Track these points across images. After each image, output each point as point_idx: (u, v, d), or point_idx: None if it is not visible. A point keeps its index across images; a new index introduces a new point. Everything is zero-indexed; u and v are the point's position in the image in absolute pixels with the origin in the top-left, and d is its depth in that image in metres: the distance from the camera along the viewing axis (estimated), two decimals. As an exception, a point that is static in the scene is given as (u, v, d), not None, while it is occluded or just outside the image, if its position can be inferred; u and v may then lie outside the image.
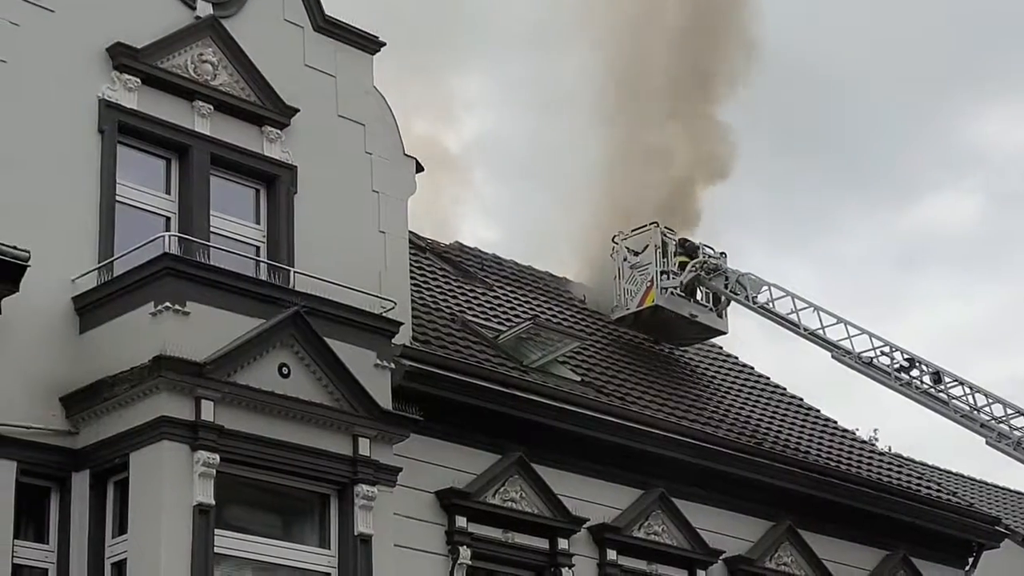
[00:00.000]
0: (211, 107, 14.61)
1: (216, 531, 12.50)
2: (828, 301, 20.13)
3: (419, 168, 16.31)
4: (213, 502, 12.46)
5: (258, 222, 14.98)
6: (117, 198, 13.87)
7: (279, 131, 15.09)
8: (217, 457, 12.52)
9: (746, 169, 39.55)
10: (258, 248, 14.83)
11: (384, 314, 14.27)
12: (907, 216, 49.02)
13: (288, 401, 13.07)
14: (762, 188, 45.24)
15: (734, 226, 38.10)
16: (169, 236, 13.30)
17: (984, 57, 48.18)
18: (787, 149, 45.60)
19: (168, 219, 14.27)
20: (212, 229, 14.39)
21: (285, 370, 13.13)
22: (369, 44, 16.16)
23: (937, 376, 19.19)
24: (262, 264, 14.53)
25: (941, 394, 19.12)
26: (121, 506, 12.73)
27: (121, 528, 12.68)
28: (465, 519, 15.32)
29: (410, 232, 16.72)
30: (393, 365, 14.14)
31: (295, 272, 14.19)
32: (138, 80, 14.17)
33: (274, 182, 15.06)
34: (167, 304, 12.65)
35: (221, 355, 12.72)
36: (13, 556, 12.46)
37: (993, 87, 49.06)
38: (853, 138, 46.88)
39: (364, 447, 13.55)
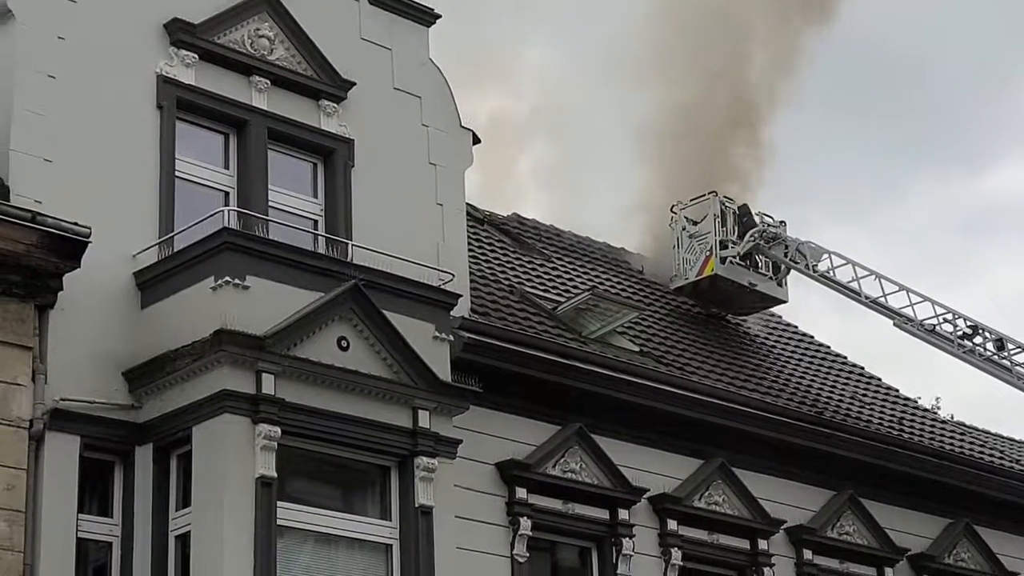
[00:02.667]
0: (268, 82, 14.63)
1: (278, 503, 12.57)
2: (892, 270, 19.95)
3: (476, 140, 16.28)
4: (275, 475, 12.52)
5: (316, 196, 14.99)
6: (176, 173, 13.92)
7: (336, 105, 15.09)
8: (278, 430, 12.58)
9: (813, 138, 39.19)
10: (316, 222, 14.84)
11: (442, 286, 14.27)
12: (974, 184, 48.46)
13: (347, 374, 13.10)
14: (829, 157, 44.83)
15: (799, 197, 37.75)
16: (228, 211, 13.33)
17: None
18: (855, 118, 45.15)
19: (227, 194, 14.31)
20: (270, 203, 14.41)
21: (344, 343, 13.16)
22: (424, 16, 16.12)
23: (1000, 343, 18.97)
24: (320, 238, 14.53)
25: (1005, 361, 18.89)
26: (184, 479, 12.83)
27: (184, 501, 12.78)
28: (525, 490, 15.31)
29: (467, 204, 16.68)
30: (452, 337, 14.13)
31: (353, 245, 14.19)
32: (195, 56, 14.21)
33: (331, 156, 15.07)
34: (227, 278, 12.70)
35: (281, 329, 12.75)
36: (78, 530, 12.59)
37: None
38: (921, 106, 46.37)
39: (424, 419, 13.57)
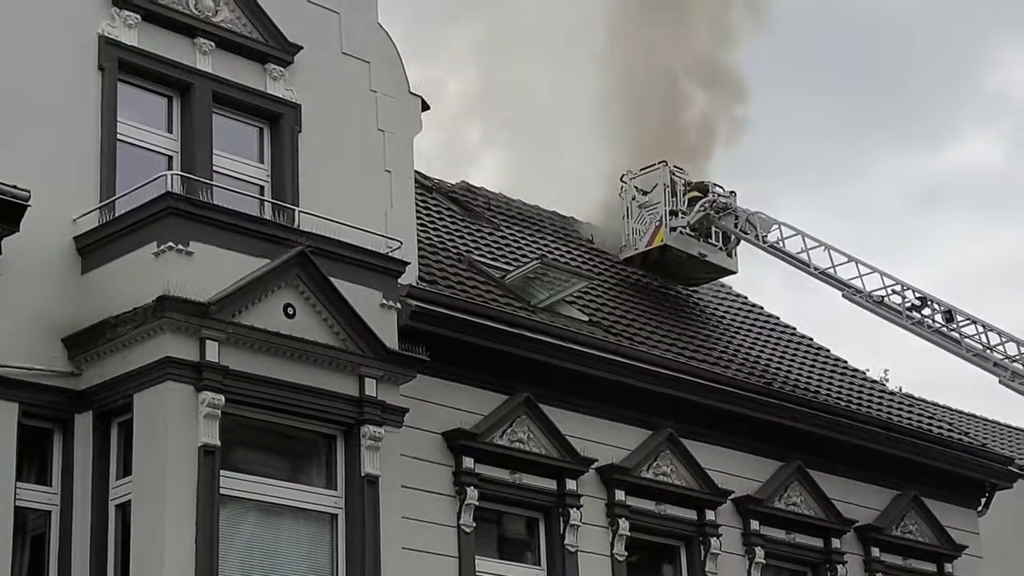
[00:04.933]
0: (213, 44, 14.42)
1: (221, 472, 12.44)
2: (847, 244, 19.92)
3: (425, 107, 16.12)
4: (218, 443, 12.39)
5: (262, 161, 14.82)
6: (118, 136, 13.71)
7: (282, 69, 14.90)
8: (222, 398, 12.44)
9: (769, 111, 39.18)
10: (262, 187, 14.68)
11: (390, 254, 14.16)
12: (932, 160, 48.73)
13: (293, 341, 12.97)
14: (788, 133, 44.87)
15: (757, 171, 37.72)
16: (171, 175, 13.16)
17: (1006, 6, 47.62)
18: (814, 93, 45.18)
19: (170, 158, 14.13)
20: (215, 168, 14.22)
21: (290, 310, 13.04)
22: None
23: (949, 314, 18.96)
24: (266, 203, 14.37)
25: (953, 333, 18.89)
26: (125, 448, 12.66)
27: (125, 470, 12.62)
28: (472, 460, 15.24)
29: (416, 171, 16.56)
30: (399, 305, 14.04)
31: (300, 211, 14.06)
32: (138, 16, 13.98)
33: (278, 120, 14.89)
34: (170, 244, 12.53)
35: (225, 295, 12.61)
36: (16, 499, 12.39)
37: (1013, 36, 48.52)
38: (882, 83, 46.48)
39: (370, 388, 13.47)
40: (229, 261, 12.80)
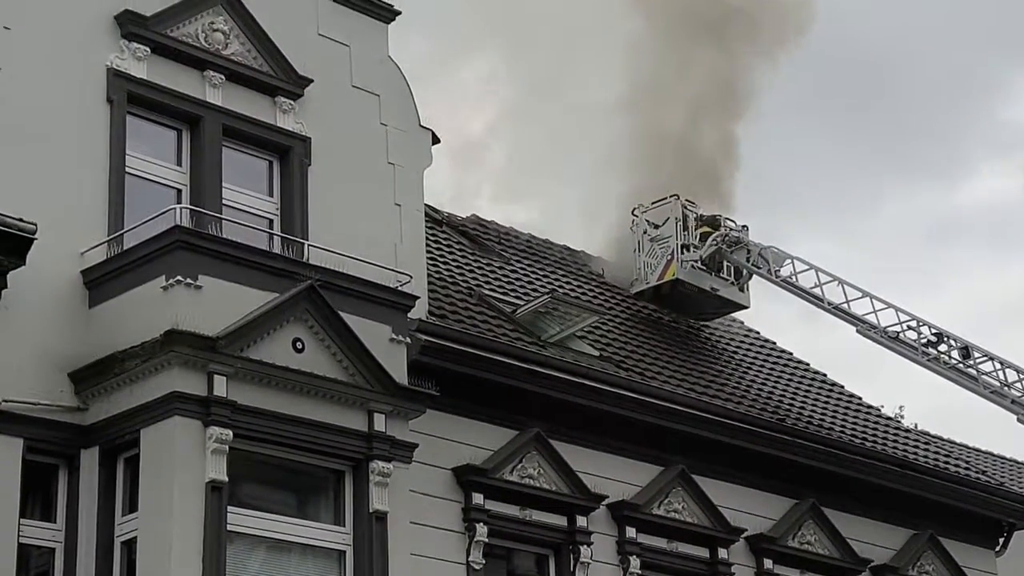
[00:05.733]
0: (223, 77, 14.40)
1: (229, 508, 12.34)
2: (861, 278, 19.80)
3: (435, 140, 16.10)
4: (226, 479, 12.29)
5: (271, 194, 14.79)
6: (127, 170, 13.66)
7: (292, 102, 14.88)
8: (230, 433, 12.35)
9: (782, 145, 39.12)
10: (271, 221, 14.64)
11: (400, 288, 14.10)
12: (946, 194, 48.52)
13: (302, 376, 12.90)
14: (801, 166, 44.75)
15: (770, 205, 37.60)
16: (180, 208, 13.10)
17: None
18: (828, 127, 45.12)
19: (179, 191, 14.08)
20: (224, 202, 14.18)
21: (299, 345, 12.97)
22: (383, 12, 15.93)
23: (966, 351, 18.80)
24: (275, 237, 14.33)
25: (970, 369, 18.72)
26: (131, 484, 12.56)
27: (131, 506, 12.51)
28: (482, 496, 15.17)
29: (426, 205, 16.54)
30: (409, 340, 13.98)
31: (309, 245, 14.02)
32: (147, 49, 13.95)
33: (287, 154, 14.85)
34: (178, 278, 12.47)
35: (234, 329, 12.54)
36: (20, 536, 12.26)
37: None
38: (896, 116, 46.41)
39: (379, 423, 13.38)
40: (238, 295, 12.73)
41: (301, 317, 12.98)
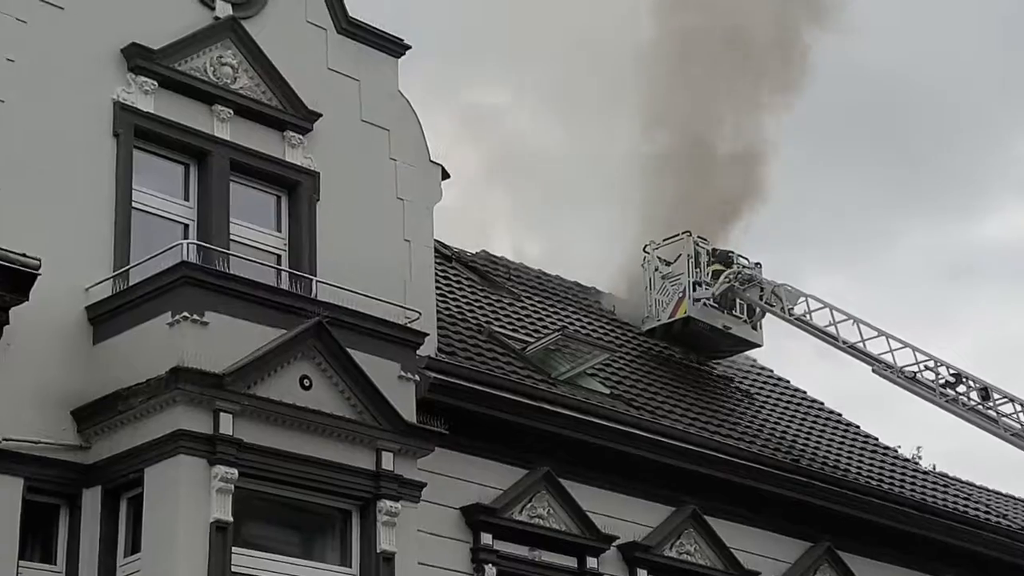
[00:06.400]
0: (231, 111, 14.32)
1: (234, 549, 12.17)
2: (879, 317, 19.67)
3: (445, 175, 16.03)
4: (231, 519, 12.12)
5: (279, 230, 14.70)
6: (133, 204, 13.56)
7: (301, 136, 14.79)
8: (236, 472, 12.20)
9: (797, 180, 38.97)
10: (279, 257, 14.53)
11: (409, 325, 14.00)
12: (964, 232, 48.16)
13: (309, 414, 12.77)
14: (813, 201, 44.48)
15: (787, 242, 37.34)
16: (187, 244, 13.04)
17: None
18: (847, 163, 44.90)
19: (186, 226, 13.97)
20: (232, 237, 14.08)
21: (307, 382, 12.85)
22: (393, 47, 15.87)
23: (985, 392, 18.62)
24: (283, 273, 14.22)
25: (990, 411, 18.52)
26: (134, 524, 12.37)
27: (134, 547, 12.31)
28: (491, 536, 15.03)
29: (436, 241, 16.48)
30: (418, 377, 13.88)
31: (317, 281, 13.92)
32: (155, 83, 13.87)
33: (296, 189, 14.76)
34: (185, 314, 12.33)
35: (240, 366, 12.41)
36: (19, 578, 12.10)
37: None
38: (914, 153, 46.21)
39: (387, 461, 13.25)
40: (245, 331, 12.61)
41: (309, 354, 12.87)
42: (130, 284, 12.91)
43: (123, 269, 13.12)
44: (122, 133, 13.54)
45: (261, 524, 12.75)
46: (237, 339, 12.50)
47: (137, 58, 13.74)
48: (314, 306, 13.11)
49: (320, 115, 14.89)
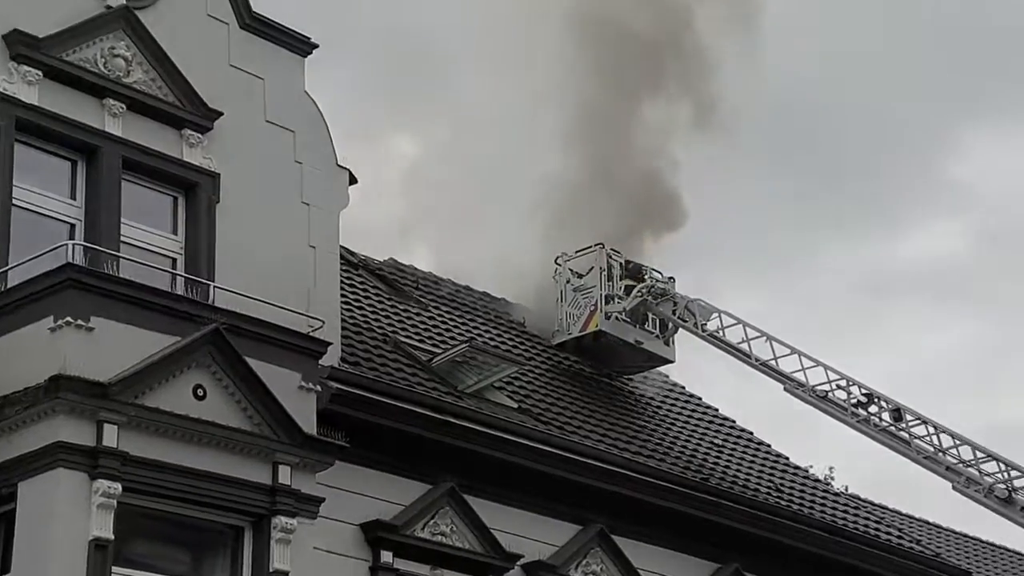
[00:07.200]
0: (123, 106, 13.84)
1: (114, 569, 11.70)
2: (797, 334, 19.69)
3: (353, 180, 15.73)
4: (112, 536, 11.65)
5: (175, 232, 14.28)
6: (14, 201, 13.09)
7: (200, 135, 14.37)
8: (119, 486, 11.72)
9: (718, 196, 38.95)
10: (175, 260, 14.13)
11: (312, 333, 13.68)
12: (884, 250, 48.38)
13: (202, 425, 12.41)
14: (735, 217, 44.39)
15: (702, 256, 37.15)
16: (73, 245, 12.55)
17: (976, 93, 47.87)
18: (766, 178, 44.89)
19: (72, 226, 13.51)
20: (123, 239, 13.62)
21: (200, 392, 12.50)
22: (300, 45, 15.51)
23: (898, 413, 18.57)
24: (179, 278, 13.84)
25: (902, 433, 18.47)
26: (5, 542, 11.82)
27: (3, 566, 11.78)
28: (391, 554, 14.74)
29: (342, 247, 16.21)
30: (319, 388, 13.59)
31: (215, 287, 13.56)
32: (39, 73, 13.37)
33: (194, 190, 14.35)
34: (68, 319, 11.86)
35: (128, 375, 11.99)
36: None
37: (985, 122, 48.76)
38: (835, 169, 46.37)
39: (285, 475, 12.91)
40: (135, 338, 12.20)
41: (204, 362, 12.52)
42: (9, 286, 12.42)
43: (2, 270, 12.63)
44: (2, 125, 13.06)
45: (146, 542, 12.32)
46: (126, 346, 12.10)
47: (20, 46, 13.25)
48: (210, 313, 12.78)
49: (221, 113, 14.50)
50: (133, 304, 12.24)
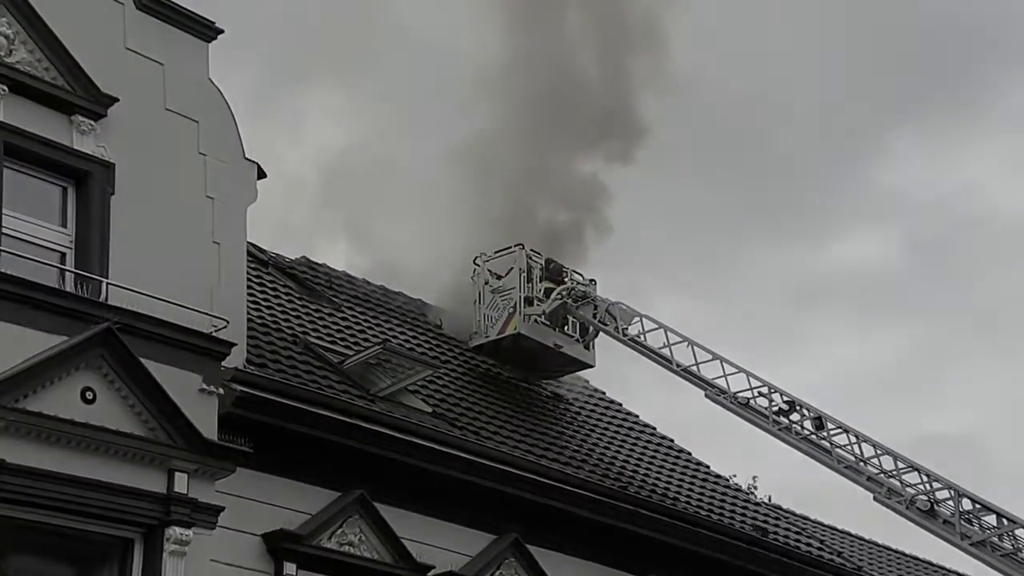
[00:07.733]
0: (5, 88, 13.08)
1: (-13, 586, 11.23)
2: (722, 340, 19.47)
3: (262, 174, 15.16)
4: (-16, 551, 11.15)
5: (64, 225, 13.56)
6: None
7: (93, 122, 13.66)
8: (-6, 497, 11.25)
9: (644, 199, 38.74)
10: (63, 255, 13.41)
11: (214, 333, 13.26)
12: (811, 257, 48.38)
13: (90, 430, 11.98)
14: (662, 220, 44.10)
15: (627, 259, 36.78)
16: (-53, 238, 12.01)
17: (904, 99, 48.00)
18: (693, 184, 44.63)
19: (-54, 218, 12.88)
20: (5, 231, 12.87)
21: (90, 395, 12.11)
22: (204, 30, 14.82)
23: (819, 422, 18.37)
24: (68, 273, 13.16)
25: (823, 441, 18.27)
26: None
27: None
28: (295, 566, 14.32)
29: (250, 244, 15.81)
30: (221, 390, 13.20)
31: (108, 284, 13.01)
32: (-92, 48, 12.79)
33: (86, 180, 13.64)
34: (-59, 317, 11.34)
35: (8, 377, 11.60)
36: None
37: (913, 129, 48.89)
38: (763, 176, 46.19)
39: (181, 483, 12.57)
40: (18, 338, 11.84)
41: (94, 363, 12.13)
42: None
43: None
44: None
45: (25, 556, 11.85)
46: (8, 347, 11.74)
47: None
48: (102, 311, 12.37)
49: (116, 99, 13.80)
50: (15, 301, 11.87)
